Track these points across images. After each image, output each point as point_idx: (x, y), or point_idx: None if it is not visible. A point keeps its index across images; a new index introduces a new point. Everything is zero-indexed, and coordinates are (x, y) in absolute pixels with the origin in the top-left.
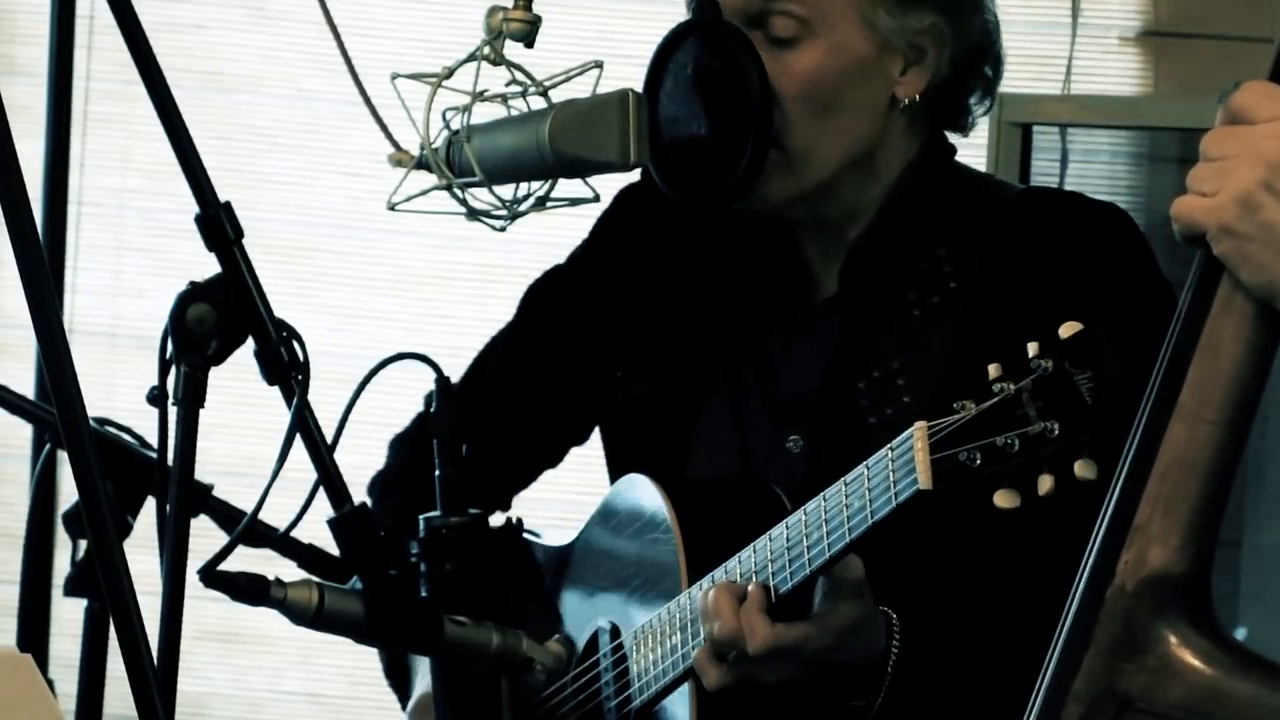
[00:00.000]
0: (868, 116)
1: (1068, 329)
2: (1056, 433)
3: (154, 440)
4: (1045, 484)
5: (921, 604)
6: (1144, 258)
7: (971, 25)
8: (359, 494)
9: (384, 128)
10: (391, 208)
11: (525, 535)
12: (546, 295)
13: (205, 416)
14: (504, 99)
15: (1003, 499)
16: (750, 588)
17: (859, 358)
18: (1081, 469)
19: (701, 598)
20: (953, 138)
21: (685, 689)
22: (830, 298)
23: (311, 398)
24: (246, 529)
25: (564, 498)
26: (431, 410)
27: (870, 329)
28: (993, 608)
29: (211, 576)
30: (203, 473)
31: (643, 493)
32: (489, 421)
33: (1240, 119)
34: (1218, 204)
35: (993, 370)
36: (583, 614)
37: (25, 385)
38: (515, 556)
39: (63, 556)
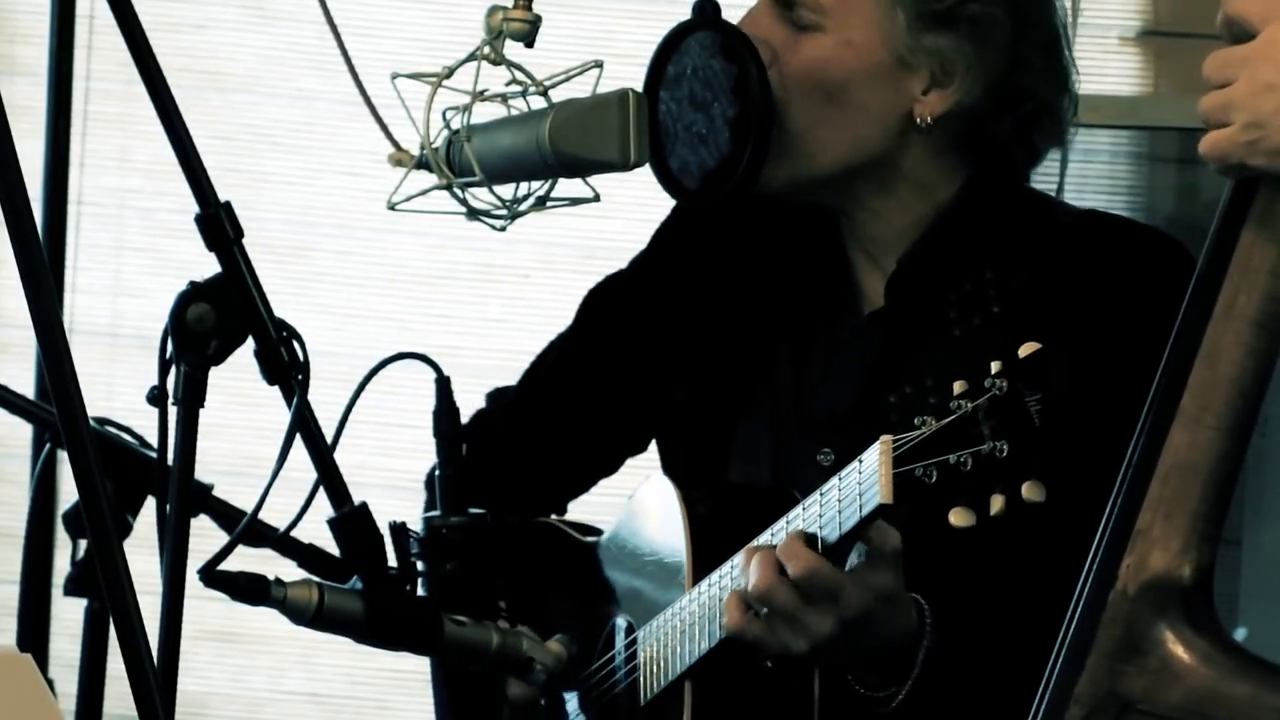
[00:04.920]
0: (877, 123)
1: (1026, 349)
2: (1006, 453)
3: (154, 440)
4: (996, 504)
5: (949, 599)
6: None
7: (994, 60)
8: (359, 494)
9: (384, 127)
10: (391, 207)
11: (562, 528)
12: (604, 303)
13: (205, 416)
14: (504, 99)
15: (957, 517)
16: (789, 536)
17: (894, 372)
18: (1029, 491)
19: (744, 554)
20: None
21: (685, 688)
22: (875, 312)
23: (311, 398)
24: (246, 529)
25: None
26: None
27: (909, 345)
28: (1016, 608)
29: (211, 576)
30: (203, 473)
31: (662, 492)
32: (545, 426)
33: (1237, 31)
34: (1236, 127)
35: (957, 387)
36: (606, 610)
37: (25, 385)
38: (541, 552)
39: (63, 556)
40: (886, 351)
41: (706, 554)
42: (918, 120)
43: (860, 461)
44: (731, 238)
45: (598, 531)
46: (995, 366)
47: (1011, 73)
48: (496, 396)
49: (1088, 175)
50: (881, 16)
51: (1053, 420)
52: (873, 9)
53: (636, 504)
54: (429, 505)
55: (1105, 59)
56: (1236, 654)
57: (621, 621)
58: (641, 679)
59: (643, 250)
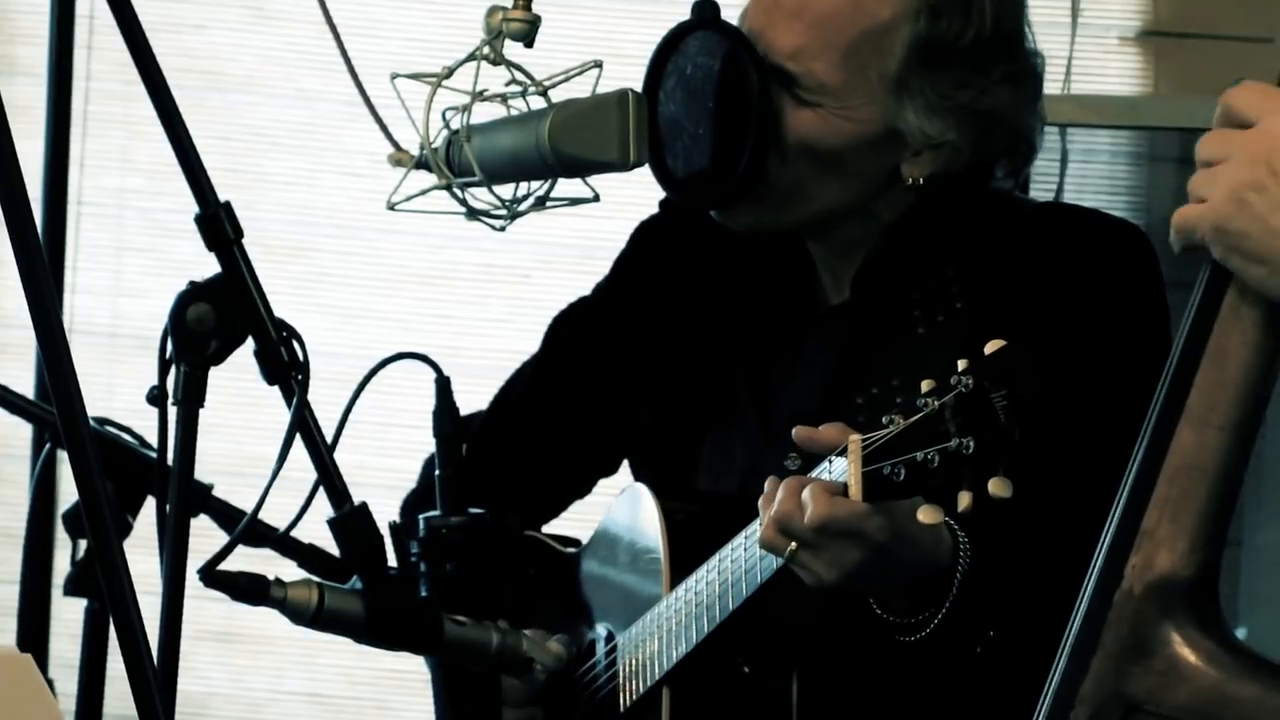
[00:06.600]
0: (866, 182)
1: (991, 346)
2: (972, 449)
3: (154, 440)
4: (964, 500)
5: (990, 530)
6: (1145, 281)
7: (994, 140)
8: (359, 494)
9: (384, 128)
10: (391, 208)
11: (544, 540)
12: (569, 330)
13: (205, 416)
14: (504, 99)
15: (925, 515)
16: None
17: (859, 373)
18: (996, 487)
19: (769, 482)
20: None
21: (664, 695)
22: (840, 305)
23: (311, 398)
24: (246, 529)
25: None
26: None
27: (873, 344)
28: (1056, 540)
29: (211, 576)
30: (203, 473)
31: (640, 502)
32: (516, 452)
33: (1234, 119)
34: (1210, 207)
35: (924, 385)
36: (587, 619)
37: (25, 385)
38: (528, 560)
39: (63, 556)
40: (851, 350)
41: (684, 561)
42: (907, 180)
43: (830, 462)
44: (693, 252)
45: (578, 543)
46: (962, 364)
47: (1004, 135)
48: (465, 424)
49: (1087, 175)
50: (887, 101)
51: (1018, 417)
52: (881, 94)
53: (615, 513)
54: (423, 491)
55: (1105, 59)
56: (1243, 655)
57: (602, 630)
58: (621, 686)
59: (605, 276)
